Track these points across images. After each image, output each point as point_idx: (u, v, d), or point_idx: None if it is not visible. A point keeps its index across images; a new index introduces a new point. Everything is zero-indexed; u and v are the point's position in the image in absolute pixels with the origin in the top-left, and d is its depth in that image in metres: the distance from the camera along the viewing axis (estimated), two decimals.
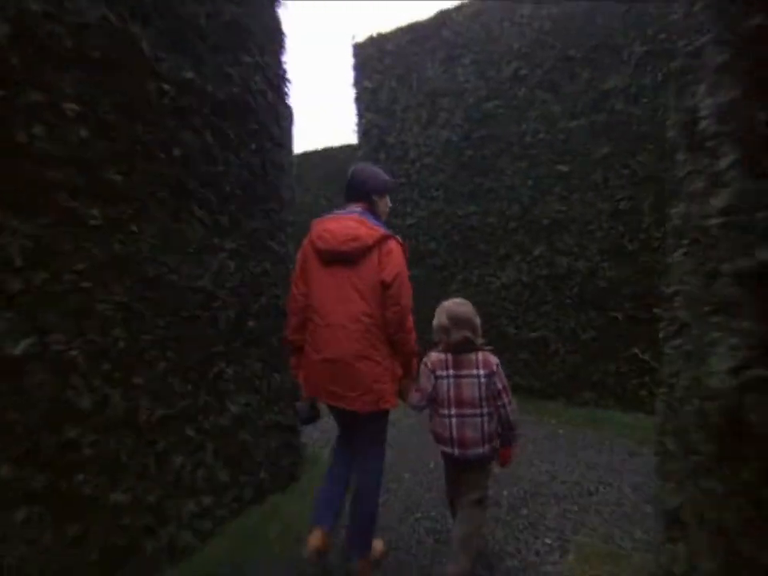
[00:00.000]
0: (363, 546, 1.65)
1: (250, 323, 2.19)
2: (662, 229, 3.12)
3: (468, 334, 1.62)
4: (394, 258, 1.57)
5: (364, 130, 4.56)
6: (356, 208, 1.69)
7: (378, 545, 1.79)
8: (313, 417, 1.77)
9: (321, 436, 3.03)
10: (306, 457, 2.65)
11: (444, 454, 1.69)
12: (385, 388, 1.57)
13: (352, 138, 4.93)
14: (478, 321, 1.66)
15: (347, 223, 1.60)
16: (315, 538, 1.59)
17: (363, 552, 1.65)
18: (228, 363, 2.06)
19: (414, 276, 2.19)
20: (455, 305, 1.68)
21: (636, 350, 3.25)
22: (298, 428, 2.50)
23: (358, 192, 1.72)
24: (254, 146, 2.20)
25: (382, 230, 1.60)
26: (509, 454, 1.72)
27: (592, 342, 3.43)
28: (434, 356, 1.69)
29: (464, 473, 1.68)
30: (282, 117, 2.49)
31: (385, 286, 1.54)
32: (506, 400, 1.63)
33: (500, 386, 1.63)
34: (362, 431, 1.69)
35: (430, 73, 4.07)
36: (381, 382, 1.56)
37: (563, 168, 3.45)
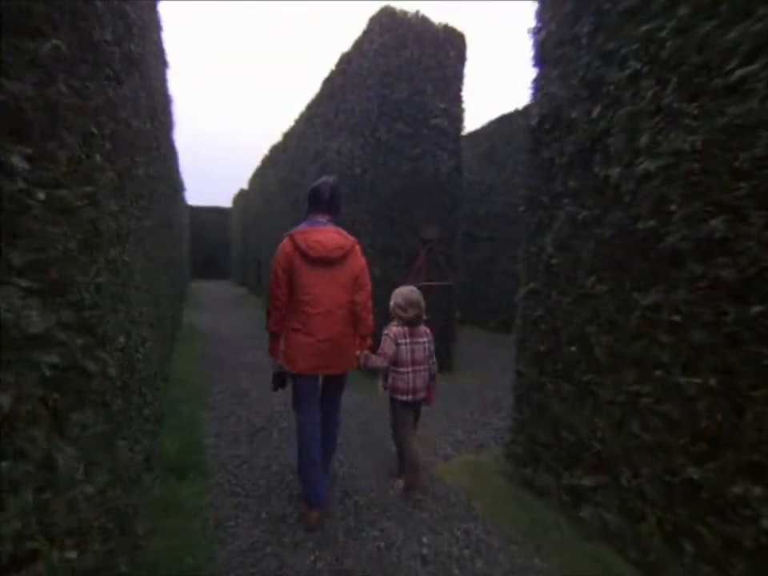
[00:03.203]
0: (328, 468, 2.43)
1: None
2: None
3: (419, 312, 2.31)
4: (361, 258, 2.24)
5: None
6: (322, 218, 2.21)
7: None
8: (285, 381, 2.26)
9: None
10: None
11: (400, 402, 2.33)
12: (353, 356, 2.22)
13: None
14: (424, 303, 2.32)
15: (331, 235, 2.14)
16: (314, 519, 2.04)
17: (328, 472, 2.42)
18: None
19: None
20: (409, 292, 2.33)
21: None
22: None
23: (330, 206, 2.24)
24: None
25: (351, 238, 2.22)
26: (432, 396, 2.46)
27: None
28: (395, 329, 2.31)
29: (412, 413, 2.38)
30: None
31: (356, 276, 2.18)
32: (434, 358, 2.43)
33: (432, 348, 2.41)
34: (336, 388, 2.30)
35: None
36: (353, 352, 2.21)
37: None
